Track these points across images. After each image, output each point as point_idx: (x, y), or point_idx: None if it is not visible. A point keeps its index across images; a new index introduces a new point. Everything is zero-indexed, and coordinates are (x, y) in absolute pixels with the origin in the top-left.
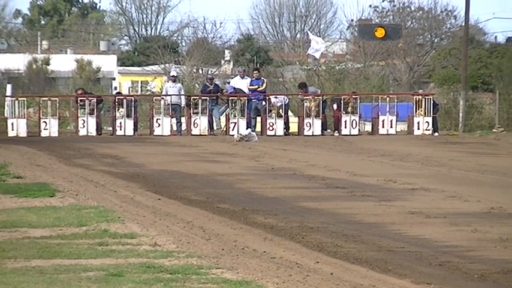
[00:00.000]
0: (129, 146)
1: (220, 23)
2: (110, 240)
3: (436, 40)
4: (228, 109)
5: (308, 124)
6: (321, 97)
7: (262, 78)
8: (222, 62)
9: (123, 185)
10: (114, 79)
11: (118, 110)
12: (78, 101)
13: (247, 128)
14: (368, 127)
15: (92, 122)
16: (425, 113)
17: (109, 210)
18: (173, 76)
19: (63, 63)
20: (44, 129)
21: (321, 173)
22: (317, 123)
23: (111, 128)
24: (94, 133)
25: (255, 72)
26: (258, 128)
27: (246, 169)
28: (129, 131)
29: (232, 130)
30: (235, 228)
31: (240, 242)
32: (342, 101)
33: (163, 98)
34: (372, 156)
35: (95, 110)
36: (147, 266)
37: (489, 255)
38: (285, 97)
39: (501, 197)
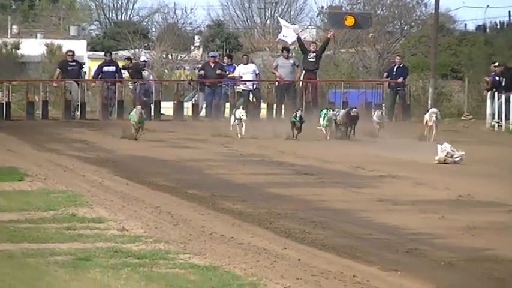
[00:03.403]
0: (99, 131)
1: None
2: (78, 224)
3: (406, 28)
4: (196, 95)
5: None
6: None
7: (234, 64)
8: (192, 47)
9: (92, 170)
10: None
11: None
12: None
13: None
14: None
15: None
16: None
17: (77, 195)
18: (144, 61)
19: (33, 47)
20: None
21: (289, 160)
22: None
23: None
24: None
25: (226, 58)
26: (227, 114)
27: (215, 155)
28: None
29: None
30: (203, 213)
31: (208, 227)
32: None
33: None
34: (341, 143)
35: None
36: (114, 251)
37: (457, 243)
38: (254, 83)
39: (470, 184)
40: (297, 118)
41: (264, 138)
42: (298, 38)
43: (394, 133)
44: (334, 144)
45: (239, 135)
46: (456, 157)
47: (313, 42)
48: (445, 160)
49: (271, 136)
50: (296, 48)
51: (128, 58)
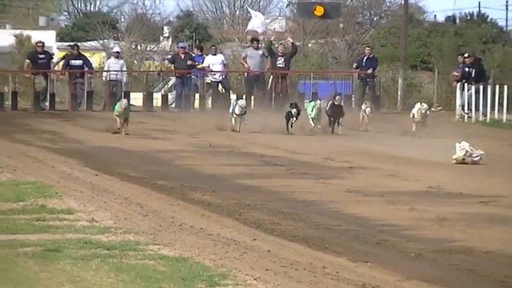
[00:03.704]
0: (69, 122)
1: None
2: (48, 215)
3: (375, 18)
4: (166, 86)
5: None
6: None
7: (204, 55)
8: (161, 38)
9: (62, 161)
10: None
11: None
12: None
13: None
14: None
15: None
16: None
17: (47, 186)
18: (116, 52)
19: (2, 38)
20: None
21: (259, 151)
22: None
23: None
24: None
25: (196, 49)
26: (197, 105)
27: (185, 146)
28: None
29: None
30: (172, 204)
31: (177, 218)
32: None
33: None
34: (310, 134)
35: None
36: (84, 242)
37: (426, 234)
38: (223, 74)
39: (439, 176)
40: (294, 112)
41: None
42: (270, 42)
43: (380, 127)
44: (304, 136)
45: (238, 128)
46: (475, 156)
47: (281, 44)
48: (463, 159)
49: (261, 130)
50: (265, 38)
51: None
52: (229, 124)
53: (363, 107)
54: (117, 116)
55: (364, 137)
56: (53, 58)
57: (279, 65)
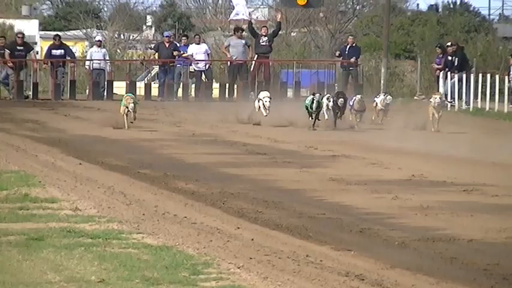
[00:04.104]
0: (51, 111)
1: None
2: (31, 204)
3: (358, 7)
4: (149, 75)
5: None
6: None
7: (188, 44)
8: (144, 27)
9: (45, 150)
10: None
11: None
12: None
13: None
14: (290, 93)
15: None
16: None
17: (30, 175)
18: (99, 41)
19: None
20: None
21: (242, 139)
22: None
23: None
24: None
25: (183, 38)
26: (180, 93)
27: (168, 135)
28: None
29: (159, 96)
30: (156, 193)
31: (160, 207)
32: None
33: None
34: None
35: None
36: (67, 231)
37: (409, 223)
38: (206, 63)
39: (422, 164)
40: (314, 104)
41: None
42: (250, 23)
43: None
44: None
45: (261, 120)
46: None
47: (264, 26)
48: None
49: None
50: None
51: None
52: (250, 117)
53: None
54: (124, 108)
55: (345, 126)
56: (32, 50)
57: (262, 43)
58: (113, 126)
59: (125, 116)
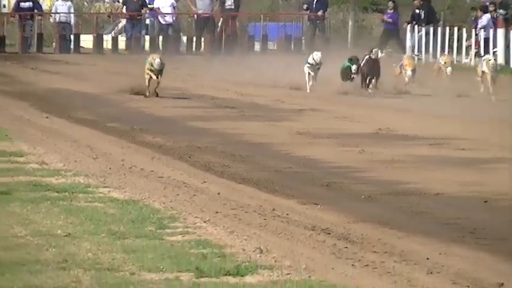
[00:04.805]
0: (19, 64)
1: None
2: None
3: None
4: (116, 28)
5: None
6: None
7: None
8: None
9: (12, 104)
10: None
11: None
12: None
13: None
14: (257, 47)
15: None
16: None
17: None
18: None
19: None
20: None
21: (210, 93)
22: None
23: None
24: None
25: None
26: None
27: (134, 88)
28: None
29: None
30: (123, 147)
31: (127, 161)
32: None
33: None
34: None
35: None
36: (34, 185)
37: (377, 177)
38: (173, 16)
39: (388, 118)
40: (353, 65)
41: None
42: None
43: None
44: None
45: (308, 87)
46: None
47: None
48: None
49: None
50: None
51: None
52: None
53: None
54: (148, 72)
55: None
56: None
57: (227, 6)
58: (132, 91)
59: (147, 81)
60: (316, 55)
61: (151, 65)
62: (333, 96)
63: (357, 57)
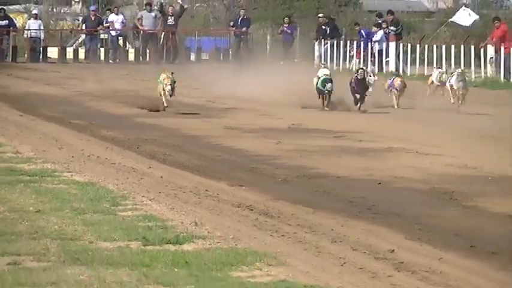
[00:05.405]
0: None
1: None
2: None
3: None
4: (77, 41)
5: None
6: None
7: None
8: (73, 2)
9: None
10: None
11: None
12: None
13: None
14: (193, 57)
15: None
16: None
17: None
18: (35, 14)
19: None
20: None
21: (155, 95)
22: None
23: None
24: None
25: (107, 11)
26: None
27: (93, 91)
28: None
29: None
30: (83, 139)
31: (86, 150)
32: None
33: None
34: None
35: None
36: (10, 170)
37: (290, 163)
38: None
39: (301, 114)
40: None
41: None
42: (161, 5)
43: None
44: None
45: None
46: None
47: (171, 6)
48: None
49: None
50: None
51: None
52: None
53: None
54: (161, 90)
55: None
56: None
57: (169, 23)
58: (150, 108)
59: (163, 96)
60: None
61: (163, 89)
62: (256, 97)
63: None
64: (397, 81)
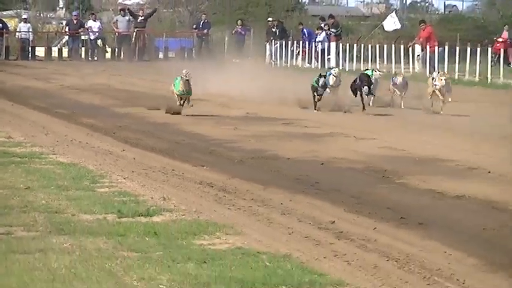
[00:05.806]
0: None
1: None
2: None
3: None
4: (61, 42)
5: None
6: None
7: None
8: (58, 8)
9: None
10: None
11: None
12: None
13: None
14: (161, 55)
15: None
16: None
17: None
18: (25, 18)
19: None
20: None
21: (128, 88)
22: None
23: None
24: None
25: (91, 15)
26: (83, 55)
27: (75, 85)
28: None
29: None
30: (66, 126)
31: (69, 136)
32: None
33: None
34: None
35: None
36: (3, 152)
37: (246, 147)
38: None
39: (256, 104)
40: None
41: (118, 73)
42: (129, 10)
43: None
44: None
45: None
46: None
47: (141, 9)
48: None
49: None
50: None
51: None
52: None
53: (396, 80)
54: (176, 93)
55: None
56: None
57: (139, 21)
58: (168, 111)
59: (178, 100)
60: (334, 71)
61: (179, 91)
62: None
63: (325, 75)
64: (399, 79)
